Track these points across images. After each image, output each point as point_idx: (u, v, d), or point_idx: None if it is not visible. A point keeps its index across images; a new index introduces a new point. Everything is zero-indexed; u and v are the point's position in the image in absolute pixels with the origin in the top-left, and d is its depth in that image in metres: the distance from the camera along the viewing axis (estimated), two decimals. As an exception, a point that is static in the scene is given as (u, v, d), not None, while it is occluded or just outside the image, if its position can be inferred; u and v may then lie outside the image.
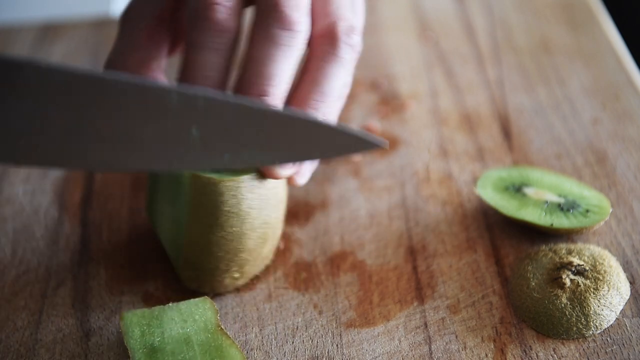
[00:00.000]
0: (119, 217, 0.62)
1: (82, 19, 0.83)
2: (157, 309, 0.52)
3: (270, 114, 0.46)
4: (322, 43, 0.51)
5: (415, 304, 0.54)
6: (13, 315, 0.55)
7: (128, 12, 0.56)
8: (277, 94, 0.49)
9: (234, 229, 0.51)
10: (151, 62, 0.54)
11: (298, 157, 0.48)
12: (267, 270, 0.57)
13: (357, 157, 0.65)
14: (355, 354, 0.51)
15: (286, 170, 0.51)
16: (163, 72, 0.55)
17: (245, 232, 0.52)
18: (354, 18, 0.53)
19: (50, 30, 0.82)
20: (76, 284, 0.57)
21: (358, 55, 0.52)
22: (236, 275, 0.54)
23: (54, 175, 0.65)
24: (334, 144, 0.47)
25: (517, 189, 0.58)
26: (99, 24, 0.82)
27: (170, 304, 0.52)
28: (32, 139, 0.43)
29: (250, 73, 0.48)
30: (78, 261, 0.58)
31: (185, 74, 0.49)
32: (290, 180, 0.53)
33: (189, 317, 0.51)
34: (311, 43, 0.52)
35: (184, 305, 0.52)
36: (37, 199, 0.63)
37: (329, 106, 0.51)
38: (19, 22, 0.83)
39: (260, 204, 0.51)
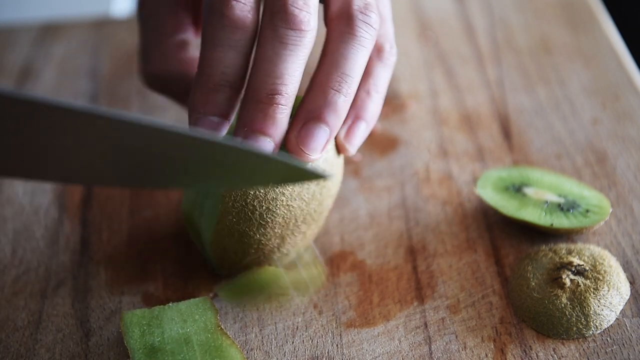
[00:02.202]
0: (119, 217, 0.62)
1: (82, 19, 0.83)
2: (157, 309, 0.52)
3: (207, 143, 0.45)
4: (338, 24, 0.51)
5: (415, 304, 0.54)
6: (13, 315, 0.55)
7: (145, 2, 0.56)
8: (287, 93, 0.49)
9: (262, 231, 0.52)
10: (184, 45, 0.55)
11: (232, 184, 0.49)
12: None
13: (357, 157, 0.65)
14: (355, 354, 0.51)
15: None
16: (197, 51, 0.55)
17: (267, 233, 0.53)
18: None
19: (50, 30, 0.82)
20: (76, 284, 0.57)
21: (376, 32, 0.52)
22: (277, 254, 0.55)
23: (54, 175, 0.65)
24: (272, 174, 0.47)
25: (517, 189, 0.58)
26: (99, 24, 0.82)
27: (170, 304, 0.52)
28: None
29: (260, 73, 0.49)
30: (78, 261, 0.58)
31: (203, 72, 0.49)
32: (340, 149, 0.54)
33: (189, 317, 0.51)
34: (328, 25, 0.52)
35: (184, 305, 0.52)
36: (37, 199, 0.63)
37: (350, 87, 0.50)
38: (19, 22, 0.83)
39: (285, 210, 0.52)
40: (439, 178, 0.63)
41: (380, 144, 0.66)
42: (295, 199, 0.51)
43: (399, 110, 0.69)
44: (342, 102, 0.50)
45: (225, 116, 0.49)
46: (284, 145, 0.50)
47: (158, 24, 0.55)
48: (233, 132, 0.50)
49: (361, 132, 0.54)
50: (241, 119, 0.49)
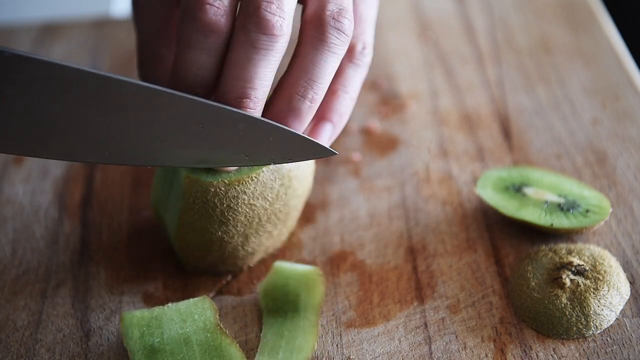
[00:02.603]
0: (119, 217, 0.62)
1: (82, 19, 0.83)
2: (156, 309, 0.52)
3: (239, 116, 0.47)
4: (310, 28, 0.51)
5: (415, 304, 0.54)
6: (13, 315, 0.55)
7: (138, 3, 0.56)
8: (256, 97, 0.49)
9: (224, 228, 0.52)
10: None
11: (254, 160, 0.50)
12: (267, 270, 0.57)
13: (357, 157, 0.65)
14: (355, 354, 0.51)
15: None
16: None
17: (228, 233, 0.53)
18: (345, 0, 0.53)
19: (50, 30, 0.82)
20: (76, 284, 0.57)
21: (349, 38, 0.51)
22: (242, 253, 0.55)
23: (54, 175, 0.65)
24: (293, 149, 0.48)
25: (517, 189, 0.58)
26: (99, 24, 0.82)
27: (169, 304, 0.52)
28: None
29: (230, 76, 0.49)
30: (78, 261, 0.58)
31: (176, 72, 0.49)
32: None
33: (189, 317, 0.51)
34: (302, 28, 0.51)
35: (183, 305, 0.52)
36: (37, 199, 0.63)
37: (317, 93, 0.50)
38: (19, 22, 0.83)
39: (247, 208, 0.52)
40: (439, 178, 0.63)
41: (380, 144, 0.66)
42: (258, 198, 0.51)
43: (399, 110, 0.69)
44: (307, 107, 0.50)
45: None
46: None
47: (152, 18, 0.55)
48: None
49: (326, 133, 0.54)
50: None
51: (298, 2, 0.51)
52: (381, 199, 0.61)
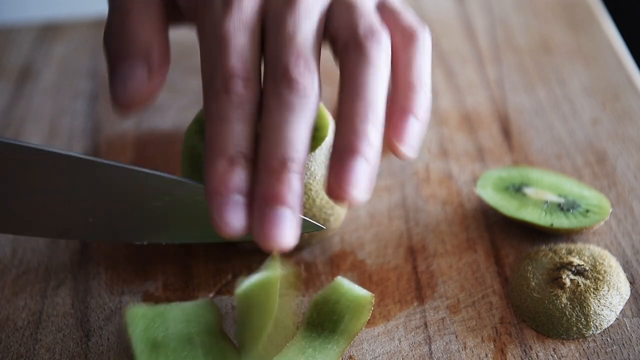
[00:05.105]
0: (119, 217, 0.62)
1: (82, 19, 0.83)
2: (162, 306, 0.52)
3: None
4: (349, 54, 0.49)
5: (415, 304, 0.54)
6: (13, 315, 0.55)
7: None
8: (300, 159, 0.47)
9: None
10: (162, 18, 0.52)
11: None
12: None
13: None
14: (355, 354, 0.51)
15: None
16: (166, 35, 0.52)
17: None
18: (373, 18, 0.51)
19: (50, 30, 0.82)
20: (76, 284, 0.57)
21: (389, 50, 0.50)
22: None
23: (54, 175, 0.65)
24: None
25: (517, 189, 0.58)
26: (99, 24, 0.82)
27: (175, 303, 0.52)
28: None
29: (270, 142, 0.47)
30: (78, 261, 0.58)
31: (216, 148, 0.47)
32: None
33: (193, 317, 0.51)
34: (340, 58, 0.50)
35: (189, 305, 0.52)
36: (37, 199, 0.63)
37: (378, 115, 0.48)
38: (19, 22, 0.83)
39: None
40: (439, 178, 0.63)
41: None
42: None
43: (399, 110, 0.69)
44: (374, 131, 0.47)
45: (247, 193, 0.47)
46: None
47: (125, 2, 0.52)
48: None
49: (413, 127, 0.50)
50: (256, 194, 0.46)
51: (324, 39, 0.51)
52: (381, 199, 0.61)
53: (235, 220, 0.46)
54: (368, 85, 0.48)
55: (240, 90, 0.47)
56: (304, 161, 0.47)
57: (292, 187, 0.46)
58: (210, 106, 0.48)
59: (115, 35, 0.51)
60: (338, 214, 0.56)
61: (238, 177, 0.46)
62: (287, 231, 0.45)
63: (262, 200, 0.46)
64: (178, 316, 0.51)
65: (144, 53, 0.50)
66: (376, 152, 0.47)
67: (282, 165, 0.46)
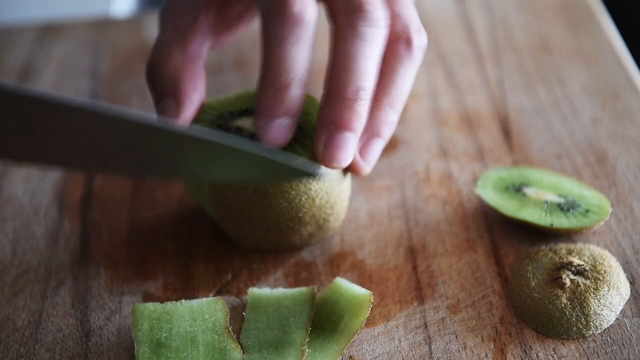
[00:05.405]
0: (119, 217, 0.62)
1: (82, 19, 0.83)
2: (169, 304, 0.52)
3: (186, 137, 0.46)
4: (398, 47, 0.54)
5: (415, 304, 0.54)
6: (13, 315, 0.55)
7: (170, 5, 0.56)
8: (370, 88, 0.51)
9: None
10: (194, 54, 0.55)
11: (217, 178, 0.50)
12: (267, 270, 0.57)
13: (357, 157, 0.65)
14: (355, 354, 0.51)
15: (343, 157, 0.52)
16: (203, 64, 0.56)
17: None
18: (417, 16, 0.56)
19: (50, 30, 0.82)
20: (76, 284, 0.57)
21: (386, 22, 0.53)
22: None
23: (54, 175, 0.65)
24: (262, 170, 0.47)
25: (517, 189, 0.58)
26: (99, 24, 0.82)
27: (182, 301, 0.52)
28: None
29: (345, 71, 0.50)
30: (78, 261, 0.58)
31: (270, 69, 0.50)
32: (354, 170, 0.54)
33: (199, 315, 0.51)
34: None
35: (196, 303, 0.52)
36: (37, 199, 0.63)
37: (368, 90, 0.51)
38: (19, 22, 0.83)
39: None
40: (439, 178, 0.63)
41: (380, 144, 0.66)
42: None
43: (399, 110, 0.69)
44: (363, 105, 0.51)
45: (294, 115, 0.50)
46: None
47: (176, 29, 0.55)
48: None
49: (378, 149, 0.55)
50: (326, 117, 0.50)
51: None
52: (381, 199, 0.61)
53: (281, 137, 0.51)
54: (405, 79, 0.54)
55: (296, 9, 0.50)
56: (372, 90, 0.51)
57: (361, 114, 0.51)
58: (267, 28, 0.50)
59: (150, 75, 0.56)
60: (338, 213, 0.56)
61: (288, 101, 0.50)
62: (349, 153, 0.51)
63: (331, 125, 0.50)
64: (184, 314, 0.51)
65: (171, 90, 0.54)
66: (362, 124, 0.51)
67: (355, 94, 0.50)
